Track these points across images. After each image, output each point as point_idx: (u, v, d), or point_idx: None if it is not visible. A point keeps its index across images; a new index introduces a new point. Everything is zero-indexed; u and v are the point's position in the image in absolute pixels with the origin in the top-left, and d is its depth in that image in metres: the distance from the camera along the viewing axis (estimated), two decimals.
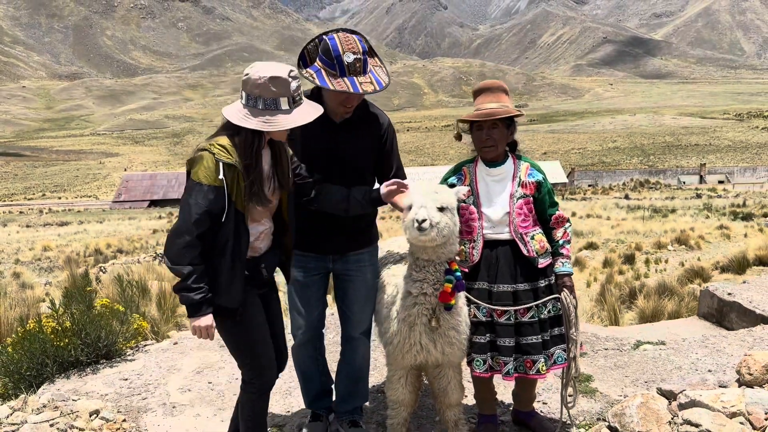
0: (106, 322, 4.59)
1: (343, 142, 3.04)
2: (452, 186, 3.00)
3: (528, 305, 2.97)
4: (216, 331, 2.59)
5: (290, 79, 2.52)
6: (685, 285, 10.64)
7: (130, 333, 4.92)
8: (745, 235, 19.63)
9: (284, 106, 2.53)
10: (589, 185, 73.10)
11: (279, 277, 3.03)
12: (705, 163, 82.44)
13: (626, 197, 48.28)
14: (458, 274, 2.76)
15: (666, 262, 16.23)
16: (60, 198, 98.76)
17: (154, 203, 69.91)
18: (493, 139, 2.99)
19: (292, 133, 2.68)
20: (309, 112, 2.61)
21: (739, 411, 2.51)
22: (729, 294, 5.43)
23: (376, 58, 2.94)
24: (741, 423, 2.46)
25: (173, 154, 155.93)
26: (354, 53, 2.78)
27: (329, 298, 3.57)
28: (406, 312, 2.79)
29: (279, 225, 2.84)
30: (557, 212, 3.12)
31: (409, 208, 2.68)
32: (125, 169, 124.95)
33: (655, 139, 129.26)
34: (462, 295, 2.87)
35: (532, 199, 3.06)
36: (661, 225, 24.24)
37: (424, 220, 2.57)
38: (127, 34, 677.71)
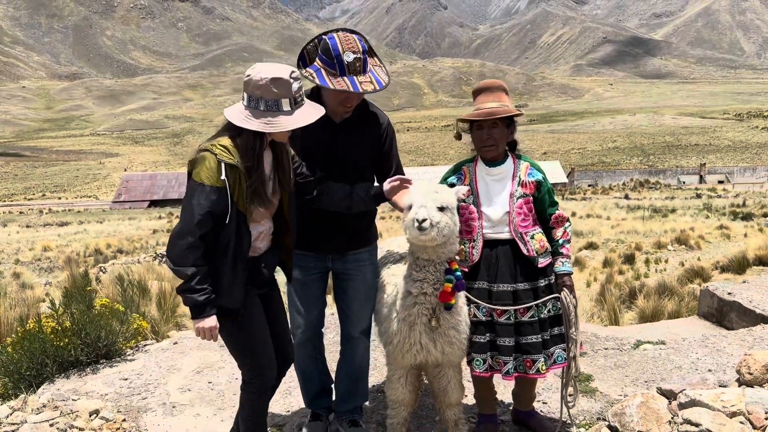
0: (106, 321, 4.59)
1: (342, 142, 3.04)
2: (452, 185, 3.00)
3: (528, 305, 2.97)
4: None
5: (292, 80, 2.51)
6: (685, 285, 10.65)
7: (130, 333, 4.92)
8: (745, 235, 19.64)
9: (286, 107, 2.52)
10: (589, 185, 73.09)
11: (280, 277, 3.03)
12: (705, 163, 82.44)
13: (626, 197, 48.28)
14: (458, 273, 2.76)
15: (666, 262, 16.24)
16: (60, 198, 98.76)
17: (154, 203, 69.90)
18: (494, 139, 2.99)
19: (292, 133, 2.68)
20: (311, 113, 2.61)
21: (739, 410, 2.51)
22: (729, 294, 5.43)
23: (375, 58, 2.95)
24: (741, 422, 2.46)
25: (173, 155, 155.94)
26: (354, 52, 2.78)
27: (329, 297, 3.57)
28: (406, 311, 2.79)
29: (280, 225, 2.84)
30: (557, 212, 3.12)
31: (409, 207, 2.68)
32: (125, 170, 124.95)
33: (655, 139, 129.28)
34: (462, 295, 2.87)
35: (531, 198, 3.06)
36: (661, 225, 24.25)
37: (424, 220, 2.57)
38: (127, 35, 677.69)
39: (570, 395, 3.20)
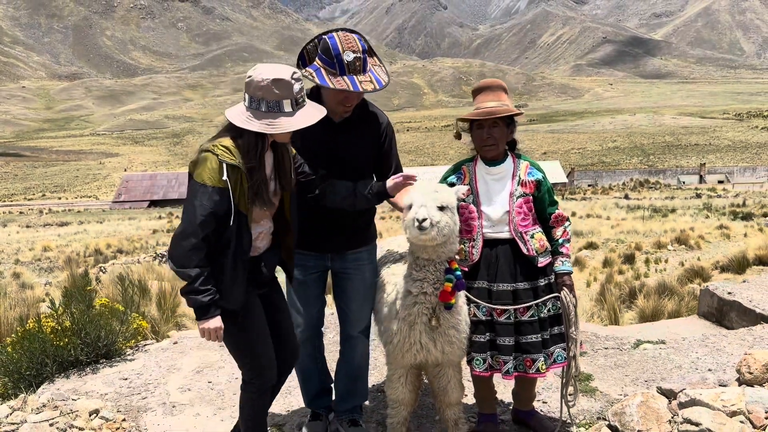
0: (106, 321, 4.58)
1: (342, 142, 3.04)
2: (452, 185, 3.00)
3: (528, 304, 2.96)
4: None
5: (293, 81, 2.51)
6: (685, 284, 10.66)
7: (129, 333, 4.92)
8: (745, 235, 19.66)
9: (287, 108, 2.52)
10: (589, 185, 73.11)
11: (280, 277, 3.03)
12: (705, 163, 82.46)
13: (626, 197, 48.30)
14: (458, 273, 2.76)
15: (666, 261, 16.26)
16: (60, 198, 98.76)
17: (154, 203, 69.90)
18: (494, 138, 2.99)
19: (293, 133, 2.68)
20: (312, 113, 2.60)
21: (739, 410, 2.51)
22: (729, 293, 5.43)
23: (375, 58, 2.95)
24: (741, 422, 2.46)
25: (173, 155, 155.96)
26: (354, 52, 2.78)
27: (329, 297, 3.57)
28: (406, 311, 2.79)
29: (280, 225, 2.83)
30: (557, 211, 3.12)
31: (409, 207, 2.68)
32: (125, 170, 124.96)
33: (655, 139, 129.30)
34: (462, 294, 2.87)
35: (531, 197, 3.06)
36: (661, 225, 24.27)
37: (424, 219, 2.57)
38: (127, 35, 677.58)
39: (570, 395, 3.20)
